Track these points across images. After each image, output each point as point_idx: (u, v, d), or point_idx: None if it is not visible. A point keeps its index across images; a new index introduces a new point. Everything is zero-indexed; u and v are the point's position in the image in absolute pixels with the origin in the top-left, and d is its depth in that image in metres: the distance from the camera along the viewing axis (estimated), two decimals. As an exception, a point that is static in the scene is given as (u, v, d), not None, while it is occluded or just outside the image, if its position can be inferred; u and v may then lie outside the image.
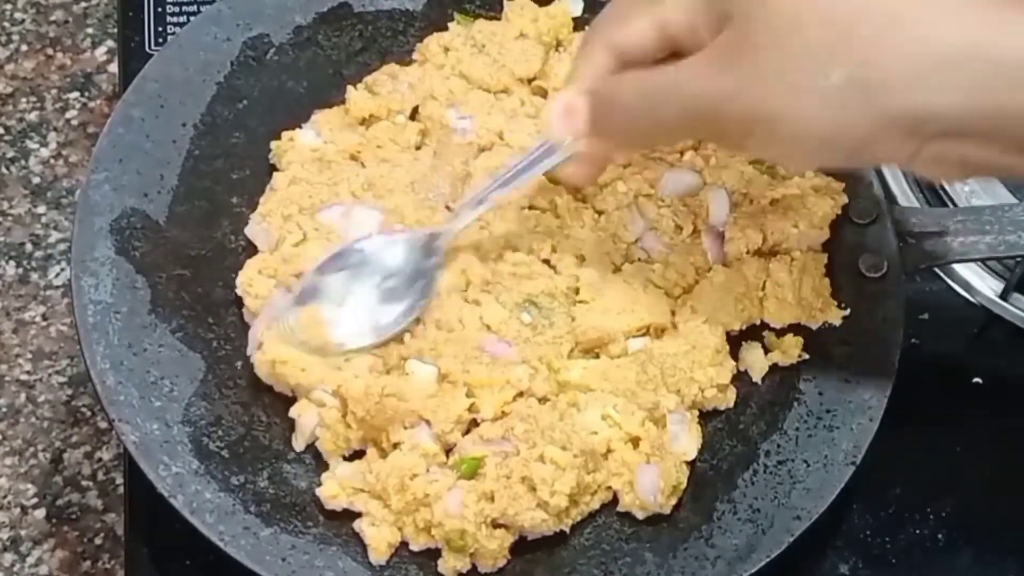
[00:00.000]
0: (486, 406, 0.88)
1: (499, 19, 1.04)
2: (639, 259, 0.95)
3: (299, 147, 0.98)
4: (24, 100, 1.30)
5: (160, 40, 1.14)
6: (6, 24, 1.35)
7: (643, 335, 0.93)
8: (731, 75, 0.73)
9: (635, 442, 0.88)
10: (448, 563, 0.85)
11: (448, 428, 0.87)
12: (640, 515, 0.88)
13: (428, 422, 0.87)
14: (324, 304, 0.89)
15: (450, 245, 0.92)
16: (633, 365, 0.90)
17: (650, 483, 0.87)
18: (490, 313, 0.91)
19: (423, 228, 0.93)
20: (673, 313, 0.93)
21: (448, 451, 0.88)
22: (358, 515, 0.86)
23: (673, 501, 0.88)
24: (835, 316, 0.95)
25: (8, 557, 1.08)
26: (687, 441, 0.90)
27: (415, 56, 1.04)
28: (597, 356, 0.92)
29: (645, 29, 0.79)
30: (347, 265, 0.91)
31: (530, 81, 1.03)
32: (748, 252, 0.96)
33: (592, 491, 0.87)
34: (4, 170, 1.26)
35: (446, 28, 1.04)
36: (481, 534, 0.84)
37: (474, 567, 0.86)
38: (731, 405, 0.93)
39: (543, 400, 0.89)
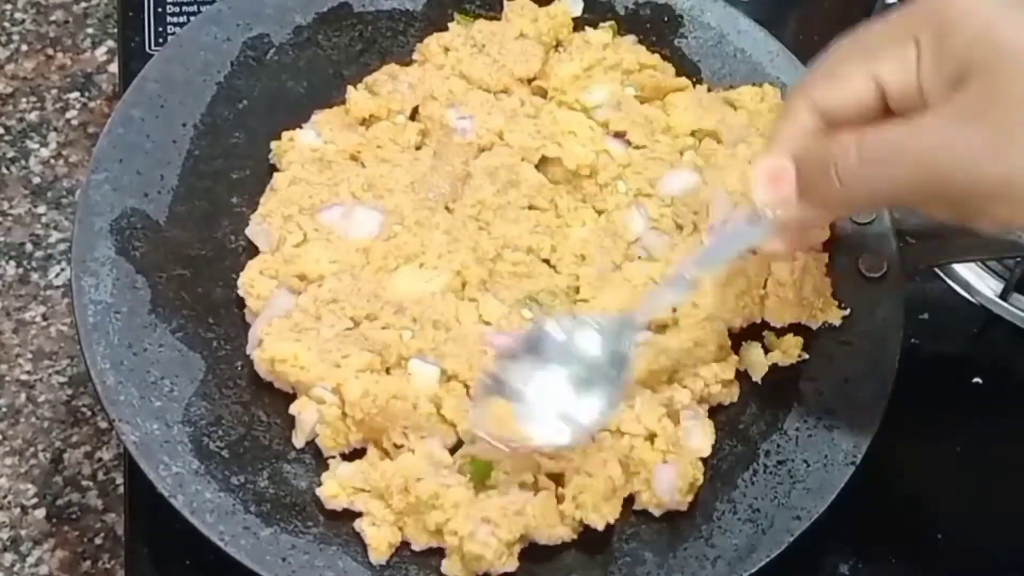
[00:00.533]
0: None
1: (499, 19, 1.04)
2: (639, 258, 0.95)
3: (299, 147, 0.98)
4: (24, 100, 1.30)
5: (160, 40, 1.14)
6: (6, 24, 1.35)
7: (645, 329, 0.93)
8: (981, 133, 0.67)
9: (651, 439, 0.88)
10: (453, 567, 0.85)
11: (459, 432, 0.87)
12: (657, 512, 0.88)
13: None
14: (513, 397, 0.83)
15: (643, 327, 0.85)
16: (646, 353, 0.90)
17: (668, 482, 0.87)
18: (488, 309, 0.91)
19: (614, 313, 0.87)
20: (674, 309, 0.94)
21: (453, 450, 0.88)
22: (358, 515, 0.86)
23: (690, 498, 0.88)
24: (835, 316, 0.95)
25: (8, 557, 1.08)
26: (701, 438, 0.90)
27: (415, 56, 1.04)
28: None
29: (859, 88, 0.73)
30: (534, 352, 0.84)
31: (530, 81, 1.03)
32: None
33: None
34: (4, 170, 1.26)
35: (446, 28, 1.04)
36: (499, 560, 0.84)
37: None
38: (735, 400, 0.93)
39: None
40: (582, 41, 1.03)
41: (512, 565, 0.85)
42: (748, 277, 0.94)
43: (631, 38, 1.05)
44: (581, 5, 1.06)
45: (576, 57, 1.02)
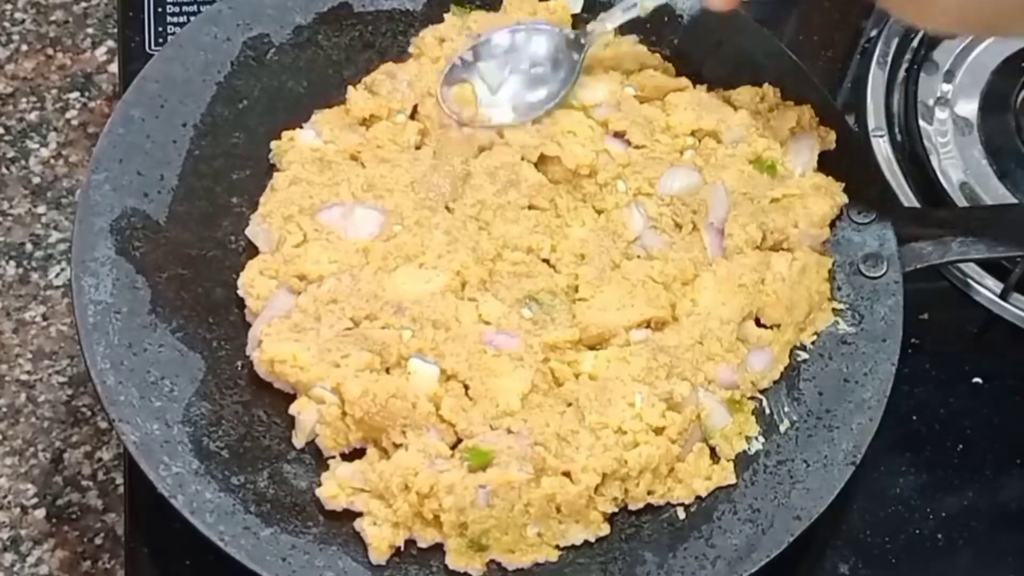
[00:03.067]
0: (504, 398, 0.88)
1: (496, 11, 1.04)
2: (638, 256, 0.95)
3: (299, 147, 0.98)
4: (24, 100, 1.30)
5: (160, 40, 1.14)
6: (6, 24, 1.35)
7: (644, 328, 0.93)
8: None
9: (658, 431, 0.88)
10: (458, 556, 0.85)
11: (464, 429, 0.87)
12: (689, 501, 0.89)
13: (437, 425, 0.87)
14: (476, 83, 0.99)
15: (592, 45, 1.00)
16: (644, 352, 0.91)
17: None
18: (488, 309, 0.91)
19: (570, 29, 1.01)
20: (673, 307, 0.94)
21: (453, 446, 0.88)
22: (358, 515, 0.86)
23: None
24: (827, 320, 0.95)
25: (8, 557, 1.08)
26: (724, 414, 0.90)
27: (411, 50, 1.04)
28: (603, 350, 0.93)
29: None
30: (496, 52, 0.99)
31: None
32: (748, 248, 0.96)
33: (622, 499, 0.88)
34: (4, 170, 1.26)
35: (445, 28, 1.04)
36: (504, 535, 0.85)
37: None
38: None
39: (560, 389, 0.89)
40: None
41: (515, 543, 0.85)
42: (747, 273, 0.94)
43: (632, 38, 1.05)
44: (580, 2, 1.06)
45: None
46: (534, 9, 1.04)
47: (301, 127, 1.00)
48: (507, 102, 0.99)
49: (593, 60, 1.02)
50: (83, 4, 1.36)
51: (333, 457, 0.89)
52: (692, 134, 1.00)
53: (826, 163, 1.01)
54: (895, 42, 1.17)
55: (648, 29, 1.06)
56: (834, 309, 0.96)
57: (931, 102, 1.15)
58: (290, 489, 0.87)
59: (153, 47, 1.14)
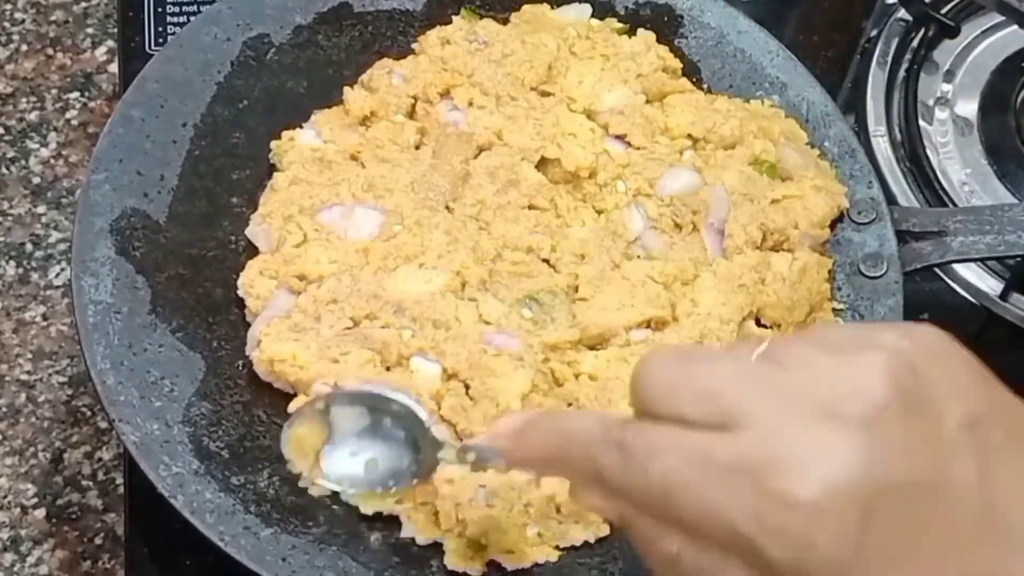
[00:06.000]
0: (504, 398, 0.88)
1: (504, 20, 1.04)
2: (638, 257, 0.95)
3: (299, 147, 0.98)
4: (24, 100, 1.30)
5: (160, 40, 1.14)
6: (6, 24, 1.34)
7: (644, 328, 0.93)
8: None
9: None
10: (456, 555, 0.85)
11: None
12: None
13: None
14: (323, 433, 0.79)
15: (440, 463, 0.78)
16: (644, 352, 0.90)
17: None
18: (488, 309, 0.91)
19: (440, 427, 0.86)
20: (673, 306, 0.94)
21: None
22: (358, 515, 0.86)
23: None
24: (827, 320, 0.95)
25: (8, 557, 1.08)
26: None
27: (414, 47, 1.04)
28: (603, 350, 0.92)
29: None
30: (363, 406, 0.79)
31: (533, 89, 1.02)
32: (748, 248, 0.96)
33: None
34: (4, 170, 1.25)
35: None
36: (504, 536, 0.84)
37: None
38: None
39: (560, 390, 0.89)
40: (590, 46, 1.03)
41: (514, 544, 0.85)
42: (747, 272, 0.94)
43: (649, 36, 1.04)
44: (589, 9, 1.06)
45: (586, 59, 1.02)
46: (541, 24, 1.03)
47: (301, 127, 1.00)
48: (352, 467, 0.79)
49: (614, 73, 1.01)
50: (83, 4, 1.36)
51: (333, 457, 0.88)
52: (691, 135, 1.00)
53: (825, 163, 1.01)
54: (895, 42, 1.17)
55: (648, 29, 1.06)
56: (834, 309, 0.96)
57: (931, 102, 1.15)
58: (290, 489, 0.87)
59: (153, 47, 1.14)
